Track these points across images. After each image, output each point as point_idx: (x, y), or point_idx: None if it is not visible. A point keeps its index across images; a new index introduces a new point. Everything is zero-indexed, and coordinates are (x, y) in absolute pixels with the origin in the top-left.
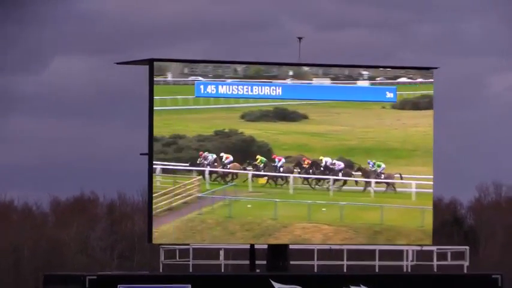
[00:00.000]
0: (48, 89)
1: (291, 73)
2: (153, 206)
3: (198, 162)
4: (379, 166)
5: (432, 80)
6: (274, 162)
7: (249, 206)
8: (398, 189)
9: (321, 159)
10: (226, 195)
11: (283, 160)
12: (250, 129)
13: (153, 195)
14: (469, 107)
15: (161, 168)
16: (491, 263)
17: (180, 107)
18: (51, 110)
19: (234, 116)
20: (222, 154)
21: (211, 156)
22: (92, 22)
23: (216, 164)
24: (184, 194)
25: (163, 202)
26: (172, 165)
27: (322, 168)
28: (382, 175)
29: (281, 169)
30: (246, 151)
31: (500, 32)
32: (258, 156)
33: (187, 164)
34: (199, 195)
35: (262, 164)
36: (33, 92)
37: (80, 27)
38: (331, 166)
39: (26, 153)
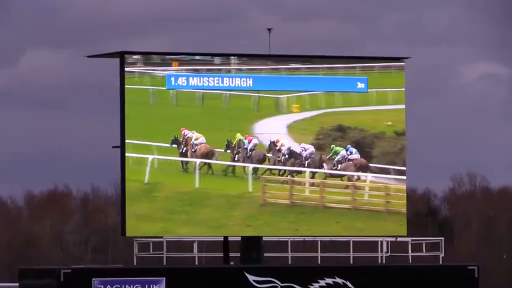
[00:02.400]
0: (19, 82)
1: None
2: None
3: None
4: (336, 153)
5: (403, 67)
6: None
7: None
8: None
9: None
10: None
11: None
12: None
13: None
14: (440, 97)
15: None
16: (466, 254)
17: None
18: (23, 103)
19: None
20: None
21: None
22: (60, 15)
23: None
24: None
25: None
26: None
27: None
28: (339, 165)
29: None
30: None
31: (467, 21)
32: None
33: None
34: None
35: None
36: (5, 85)
37: (50, 20)
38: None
39: None
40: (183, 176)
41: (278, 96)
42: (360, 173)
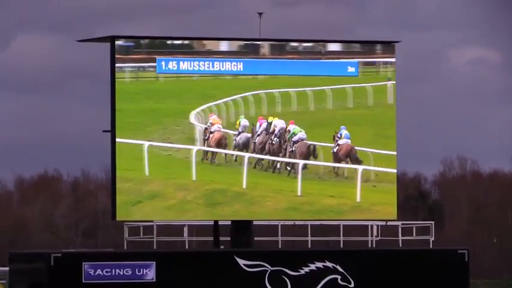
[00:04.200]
0: (10, 67)
1: (250, 49)
2: None
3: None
4: (294, 134)
5: (394, 60)
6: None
7: None
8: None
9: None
10: None
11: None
12: None
13: None
14: (430, 82)
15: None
16: (456, 238)
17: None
18: (13, 87)
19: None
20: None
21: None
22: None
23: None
24: None
25: None
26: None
27: None
28: (294, 145)
29: None
30: None
31: (456, 6)
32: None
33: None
34: None
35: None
36: None
37: (41, 5)
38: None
39: None
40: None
41: None
42: (305, 161)
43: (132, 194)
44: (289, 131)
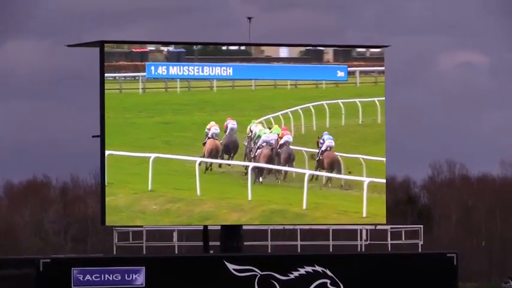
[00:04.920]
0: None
1: (241, 54)
2: None
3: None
4: (258, 137)
5: (383, 69)
6: None
7: None
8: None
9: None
10: None
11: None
12: None
13: None
14: (419, 86)
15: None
16: (445, 242)
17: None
18: (3, 93)
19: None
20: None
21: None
22: (42, 5)
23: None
24: None
25: None
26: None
27: None
28: (258, 150)
29: None
30: None
31: (445, 10)
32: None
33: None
34: None
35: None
36: None
37: (31, 11)
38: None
39: None
40: None
41: None
42: (265, 165)
43: (183, 216)
44: (255, 133)
